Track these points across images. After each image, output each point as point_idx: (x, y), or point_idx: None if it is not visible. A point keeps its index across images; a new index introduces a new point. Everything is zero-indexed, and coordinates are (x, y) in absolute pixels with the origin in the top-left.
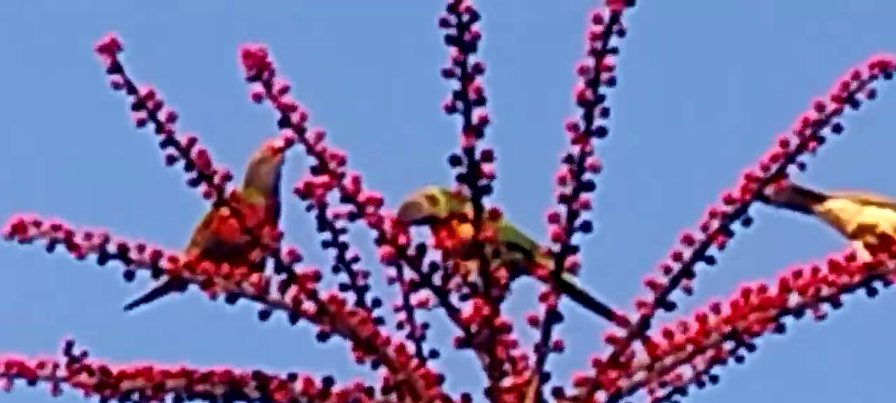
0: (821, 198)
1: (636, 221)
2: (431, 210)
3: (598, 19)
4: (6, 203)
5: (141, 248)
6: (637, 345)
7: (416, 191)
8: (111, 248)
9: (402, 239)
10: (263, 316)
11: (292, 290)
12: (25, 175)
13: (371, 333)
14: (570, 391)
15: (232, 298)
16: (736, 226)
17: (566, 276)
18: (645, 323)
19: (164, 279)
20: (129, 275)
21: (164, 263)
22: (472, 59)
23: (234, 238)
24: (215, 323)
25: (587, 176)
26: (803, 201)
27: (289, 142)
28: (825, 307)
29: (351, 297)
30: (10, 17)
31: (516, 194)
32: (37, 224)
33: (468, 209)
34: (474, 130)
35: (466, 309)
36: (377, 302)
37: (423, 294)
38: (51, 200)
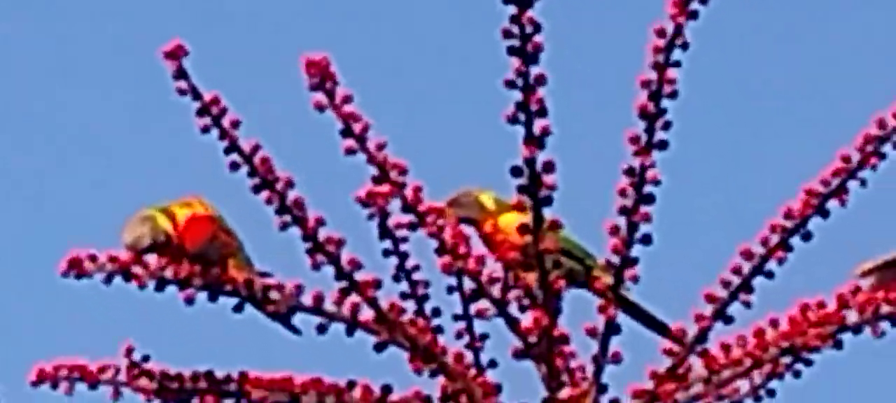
0: None
1: (695, 234)
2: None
3: (661, 33)
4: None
5: (200, 274)
6: (695, 358)
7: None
8: (168, 275)
9: (462, 250)
10: (321, 329)
11: (350, 300)
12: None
13: (430, 342)
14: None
15: (290, 312)
16: (796, 241)
17: (623, 290)
18: (703, 336)
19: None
20: (190, 301)
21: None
22: (534, 71)
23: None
24: (268, 332)
25: (648, 188)
26: None
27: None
28: (884, 325)
29: (410, 306)
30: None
31: (569, 205)
32: (93, 258)
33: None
34: (536, 141)
35: (525, 319)
36: (437, 312)
37: (483, 304)
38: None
